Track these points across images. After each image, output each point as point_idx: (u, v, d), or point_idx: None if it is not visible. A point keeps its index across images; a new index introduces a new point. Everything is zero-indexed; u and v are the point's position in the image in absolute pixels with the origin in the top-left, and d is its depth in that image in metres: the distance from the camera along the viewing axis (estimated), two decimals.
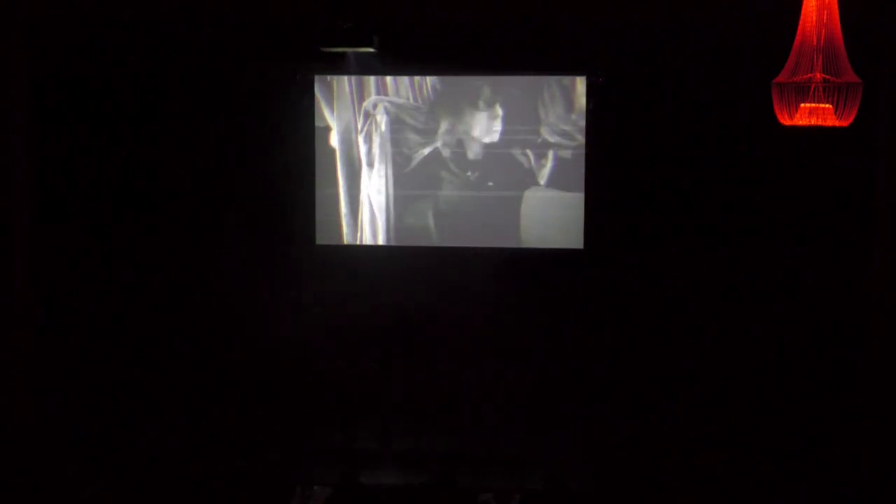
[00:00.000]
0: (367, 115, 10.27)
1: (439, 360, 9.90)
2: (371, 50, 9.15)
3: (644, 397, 9.69)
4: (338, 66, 9.92)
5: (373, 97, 10.22)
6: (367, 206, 10.33)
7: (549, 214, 10.14)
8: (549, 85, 10.04)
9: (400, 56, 9.68)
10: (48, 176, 9.49)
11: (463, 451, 9.30)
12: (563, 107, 10.03)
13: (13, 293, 8.88)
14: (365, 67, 9.94)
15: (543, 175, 10.10)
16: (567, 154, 10.05)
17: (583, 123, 9.99)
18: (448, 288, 10.17)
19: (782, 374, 9.51)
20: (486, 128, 10.13)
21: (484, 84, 10.10)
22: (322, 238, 10.41)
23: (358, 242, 10.42)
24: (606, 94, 9.91)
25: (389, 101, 10.15)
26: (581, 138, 10.01)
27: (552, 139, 10.06)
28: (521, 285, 10.03)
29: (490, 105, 10.11)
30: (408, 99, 10.21)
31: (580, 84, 9.98)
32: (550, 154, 10.07)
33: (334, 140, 10.35)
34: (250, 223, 10.25)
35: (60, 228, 9.73)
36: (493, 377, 9.73)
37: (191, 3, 8.66)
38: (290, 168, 10.32)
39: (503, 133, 10.11)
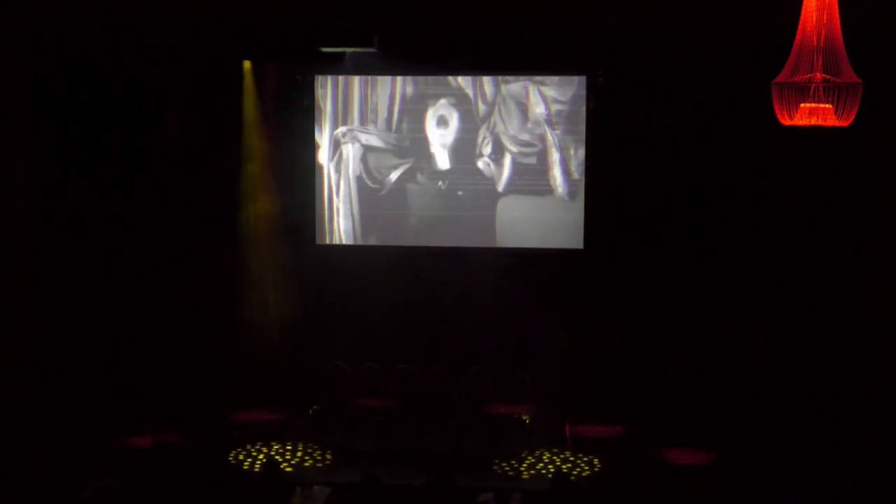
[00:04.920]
0: (337, 144, 10.26)
1: (439, 360, 9.90)
2: (371, 50, 9.15)
3: (644, 396, 9.69)
4: (338, 66, 9.91)
5: (342, 127, 10.20)
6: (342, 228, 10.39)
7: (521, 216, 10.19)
8: (505, 100, 10.06)
9: (400, 56, 9.68)
10: (48, 175, 9.48)
11: (463, 451, 9.31)
12: (518, 118, 10.05)
13: (13, 293, 8.87)
14: (365, 67, 9.93)
15: (502, 182, 10.14)
16: (531, 160, 10.09)
17: (539, 131, 10.03)
18: (448, 288, 10.18)
19: (782, 374, 9.51)
20: (448, 141, 10.14)
21: (443, 97, 10.13)
22: (320, 238, 10.44)
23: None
24: (606, 94, 9.91)
25: (360, 130, 10.12)
26: (540, 145, 10.05)
27: (514, 148, 10.10)
28: (521, 285, 10.02)
29: (448, 120, 10.13)
30: (376, 124, 10.18)
31: (533, 93, 9.99)
32: (509, 161, 10.10)
33: (322, 157, 10.36)
34: (250, 221, 10.25)
35: (60, 228, 9.71)
36: (494, 376, 9.74)
37: (191, 4, 8.65)
38: (290, 167, 10.33)
39: (463, 145, 10.15)
